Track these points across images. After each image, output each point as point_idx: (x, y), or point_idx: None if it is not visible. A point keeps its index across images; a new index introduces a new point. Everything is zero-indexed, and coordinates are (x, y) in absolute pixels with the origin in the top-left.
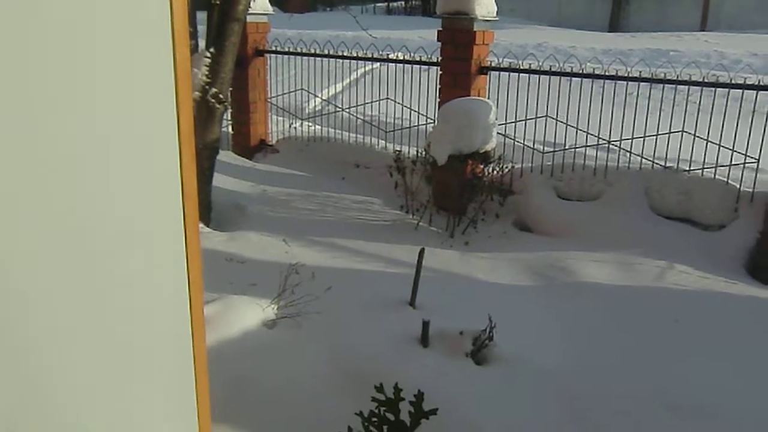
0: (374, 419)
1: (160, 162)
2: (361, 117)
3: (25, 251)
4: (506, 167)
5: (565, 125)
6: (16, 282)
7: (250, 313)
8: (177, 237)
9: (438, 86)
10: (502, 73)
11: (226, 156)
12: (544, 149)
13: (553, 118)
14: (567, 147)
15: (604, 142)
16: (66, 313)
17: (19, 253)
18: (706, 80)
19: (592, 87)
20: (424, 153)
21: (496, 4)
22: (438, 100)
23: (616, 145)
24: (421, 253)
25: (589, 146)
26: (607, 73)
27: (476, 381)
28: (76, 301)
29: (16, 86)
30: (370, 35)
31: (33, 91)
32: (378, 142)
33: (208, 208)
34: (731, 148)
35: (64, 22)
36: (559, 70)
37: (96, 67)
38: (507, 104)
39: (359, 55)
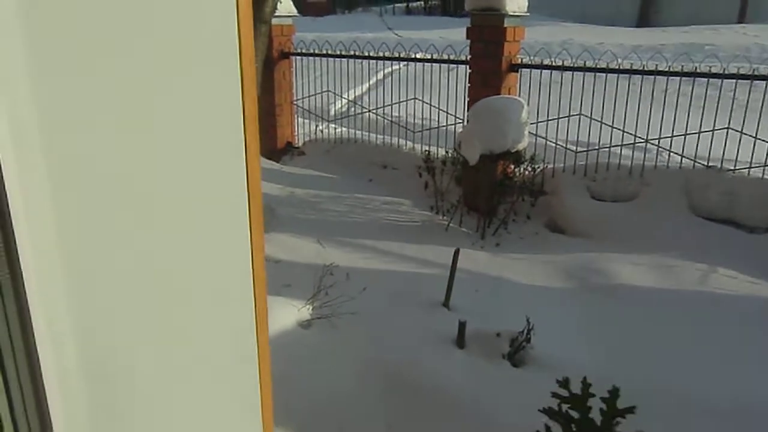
0: (557, 417)
1: (226, 161)
2: (388, 118)
3: (107, 251)
4: (538, 167)
5: (599, 124)
6: (100, 278)
7: (285, 314)
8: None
9: (467, 85)
10: (532, 70)
11: None
12: (576, 149)
13: (586, 117)
14: (601, 146)
15: (641, 140)
16: (137, 306)
17: (99, 252)
18: (755, 74)
19: (628, 84)
20: (454, 153)
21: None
22: (467, 99)
23: (653, 144)
24: (456, 253)
25: (624, 145)
26: (645, 68)
27: (514, 383)
28: (146, 293)
29: (97, 88)
30: (396, 35)
31: (109, 94)
32: (405, 142)
33: None
34: None
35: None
36: (593, 66)
37: (166, 70)
38: (538, 103)
39: (385, 56)
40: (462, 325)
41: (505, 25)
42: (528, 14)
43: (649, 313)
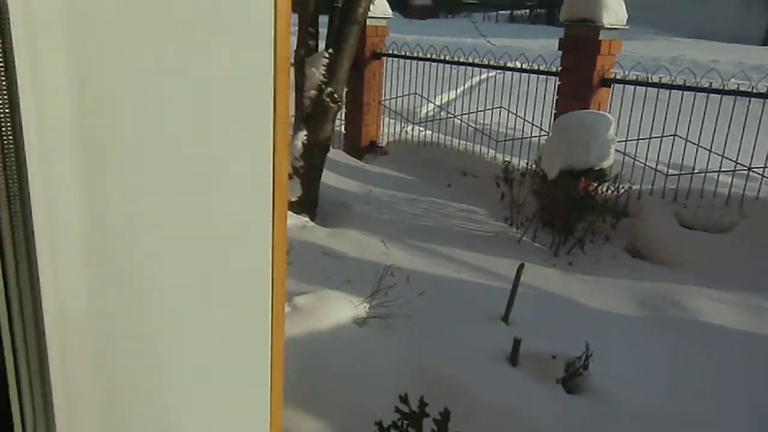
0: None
1: (255, 152)
2: (473, 125)
3: (148, 242)
4: (622, 187)
5: (695, 146)
6: (139, 267)
7: (342, 309)
8: (264, 225)
9: (555, 97)
10: (627, 86)
11: (337, 155)
12: (668, 171)
13: (681, 138)
14: (696, 171)
15: (743, 167)
16: (173, 291)
17: (143, 242)
18: None
19: (733, 105)
20: (534, 165)
21: (627, 13)
22: (554, 111)
23: (757, 173)
24: (521, 268)
25: (722, 171)
26: (754, 90)
27: (565, 410)
28: (179, 273)
29: (139, 81)
30: (489, 42)
31: (150, 87)
32: (488, 151)
33: (314, 204)
34: None
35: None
36: (693, 85)
37: (200, 61)
38: (629, 120)
39: (475, 62)
40: (516, 343)
41: (601, 38)
42: (627, 27)
43: (729, 357)
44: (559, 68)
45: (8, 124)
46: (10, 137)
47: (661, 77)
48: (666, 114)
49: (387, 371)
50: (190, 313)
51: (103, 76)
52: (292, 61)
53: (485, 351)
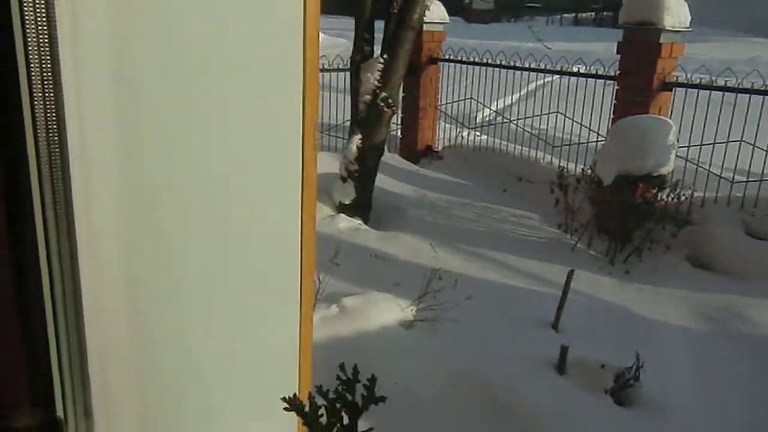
0: (334, 396)
1: (283, 155)
2: (529, 130)
3: (181, 244)
4: (684, 194)
5: (764, 152)
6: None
7: (389, 311)
8: (293, 225)
9: (613, 102)
10: (694, 90)
11: (392, 159)
12: (734, 178)
13: (749, 144)
14: (765, 177)
15: None
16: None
17: (176, 243)
18: None
19: None
20: (590, 171)
21: (700, 13)
22: (612, 116)
23: None
24: (570, 274)
25: None
26: None
27: (613, 422)
28: (208, 272)
29: (169, 89)
30: (545, 46)
31: (179, 93)
32: (544, 156)
33: (368, 207)
34: None
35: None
36: (761, 88)
37: (229, 67)
38: (692, 124)
39: (531, 67)
40: (564, 350)
41: (661, 41)
42: (690, 29)
43: None
44: (617, 72)
45: (54, 118)
46: (55, 137)
47: (726, 81)
48: (732, 118)
49: (430, 374)
50: (220, 300)
51: (144, 82)
52: (347, 66)
53: (532, 357)
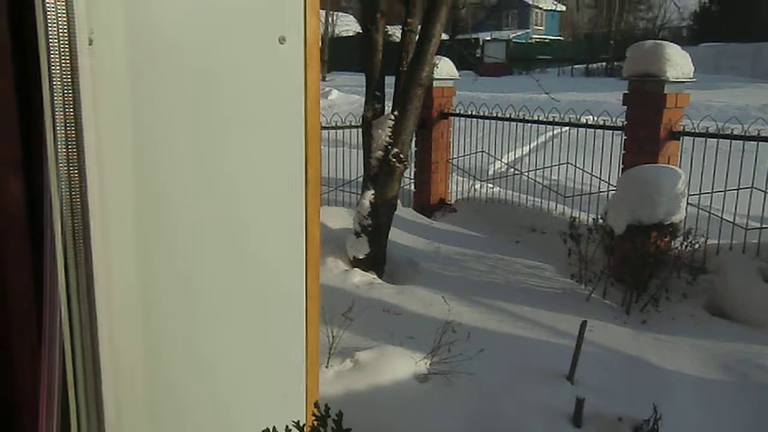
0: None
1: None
2: (541, 181)
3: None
4: (697, 242)
5: None
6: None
7: (403, 365)
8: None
9: (622, 151)
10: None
11: (406, 213)
12: (747, 224)
13: (761, 190)
14: None
15: None
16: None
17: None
18: None
19: None
20: (601, 220)
21: (714, 62)
22: (621, 166)
23: None
24: (583, 325)
25: None
26: None
27: None
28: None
29: (187, 134)
30: (552, 98)
31: (193, 137)
32: (556, 206)
33: (382, 261)
34: None
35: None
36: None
37: (237, 116)
38: (702, 172)
39: (539, 119)
40: (580, 402)
41: (666, 92)
42: (694, 80)
43: None
44: (625, 123)
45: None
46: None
47: (732, 129)
48: (741, 165)
49: (446, 430)
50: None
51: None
52: (359, 123)
53: (547, 410)
